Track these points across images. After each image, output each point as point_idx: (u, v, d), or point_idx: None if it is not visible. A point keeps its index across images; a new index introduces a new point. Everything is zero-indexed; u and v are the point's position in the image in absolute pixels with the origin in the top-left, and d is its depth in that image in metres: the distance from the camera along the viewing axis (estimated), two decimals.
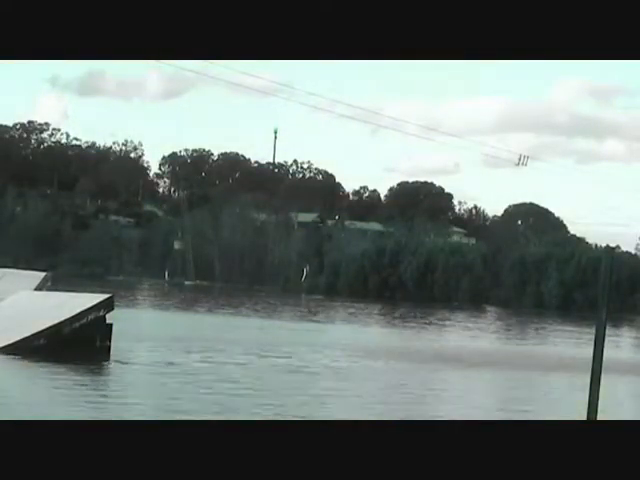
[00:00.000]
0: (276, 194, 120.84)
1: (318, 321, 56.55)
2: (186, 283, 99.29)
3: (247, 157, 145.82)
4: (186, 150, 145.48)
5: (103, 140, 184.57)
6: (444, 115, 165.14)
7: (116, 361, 26.94)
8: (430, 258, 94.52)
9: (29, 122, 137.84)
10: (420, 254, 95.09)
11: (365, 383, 26.63)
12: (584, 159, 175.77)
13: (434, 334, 51.15)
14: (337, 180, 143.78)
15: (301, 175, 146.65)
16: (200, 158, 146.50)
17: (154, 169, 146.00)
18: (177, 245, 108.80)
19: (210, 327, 44.18)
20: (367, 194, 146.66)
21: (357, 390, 24.97)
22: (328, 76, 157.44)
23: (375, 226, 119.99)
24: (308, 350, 34.35)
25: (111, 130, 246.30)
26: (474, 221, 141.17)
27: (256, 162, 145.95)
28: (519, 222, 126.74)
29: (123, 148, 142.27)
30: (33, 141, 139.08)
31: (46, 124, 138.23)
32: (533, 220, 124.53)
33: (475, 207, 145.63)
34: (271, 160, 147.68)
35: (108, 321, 28.51)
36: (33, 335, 26.84)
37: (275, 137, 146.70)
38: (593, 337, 14.22)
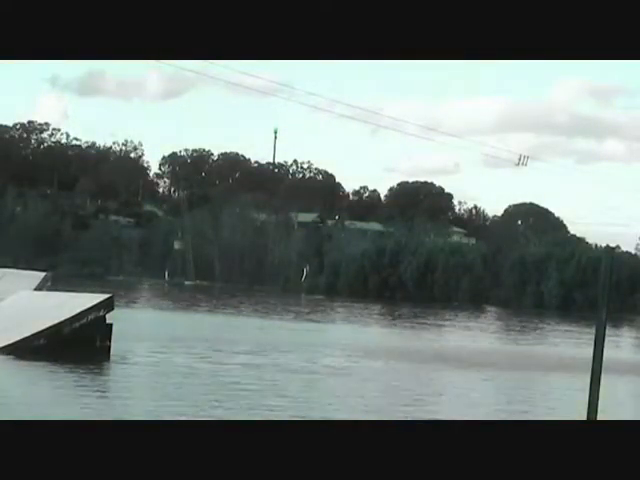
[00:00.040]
0: (276, 194, 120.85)
1: (318, 321, 56.55)
2: (186, 283, 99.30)
3: (247, 157, 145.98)
4: (186, 150, 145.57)
5: (103, 140, 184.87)
6: (444, 115, 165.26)
7: (116, 361, 26.94)
8: (430, 258, 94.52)
9: (29, 122, 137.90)
10: (420, 254, 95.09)
11: (365, 383, 26.62)
12: (584, 159, 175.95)
13: (434, 334, 51.15)
14: (337, 180, 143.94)
15: (301, 175, 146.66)
16: (200, 158, 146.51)
17: (154, 169, 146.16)
18: (177, 245, 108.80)
19: (210, 327, 44.19)
20: (367, 194, 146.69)
21: (357, 390, 24.95)
22: (328, 76, 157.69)
23: (375, 226, 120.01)
24: (308, 350, 34.34)
25: (111, 130, 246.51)
26: (474, 221, 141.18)
27: (256, 162, 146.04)
28: (519, 222, 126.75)
29: (123, 148, 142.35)
30: (33, 141, 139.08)
31: (46, 124, 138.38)
32: (533, 220, 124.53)
33: (475, 207, 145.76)
34: (271, 160, 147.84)
35: (108, 321, 28.51)
36: (33, 335, 26.84)
37: (275, 137, 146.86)
38: (593, 337, 14.22)
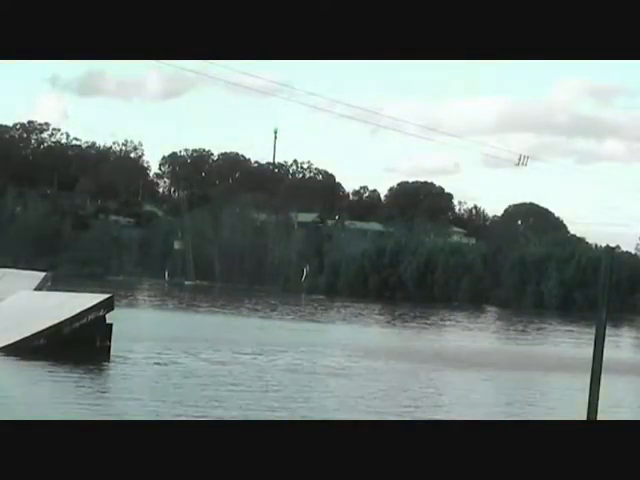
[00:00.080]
0: (276, 194, 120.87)
1: (318, 321, 56.56)
2: (186, 283, 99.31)
3: (247, 157, 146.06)
4: (186, 150, 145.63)
5: (103, 140, 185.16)
6: (444, 115, 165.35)
7: (116, 361, 26.94)
8: (430, 258, 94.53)
9: (29, 122, 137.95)
10: (420, 254, 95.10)
11: (365, 383, 26.61)
12: (584, 159, 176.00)
13: (434, 334, 51.15)
14: (337, 180, 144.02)
15: (301, 175, 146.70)
16: (200, 158, 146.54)
17: (154, 169, 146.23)
18: (177, 245, 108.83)
19: (210, 327, 44.19)
20: (367, 194, 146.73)
21: (357, 390, 24.95)
22: (328, 76, 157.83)
23: (375, 226, 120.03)
24: (308, 350, 34.35)
25: (111, 130, 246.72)
26: (474, 221, 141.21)
27: (256, 162, 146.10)
28: (519, 222, 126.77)
29: (123, 148, 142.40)
30: (33, 141, 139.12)
31: (46, 124, 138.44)
32: (533, 220, 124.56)
33: (475, 207, 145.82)
34: (271, 160, 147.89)
35: (108, 321, 28.51)
36: (33, 335, 26.84)
37: (275, 137, 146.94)
38: (593, 337, 14.22)
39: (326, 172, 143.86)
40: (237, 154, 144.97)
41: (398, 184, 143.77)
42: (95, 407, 19.16)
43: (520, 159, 36.02)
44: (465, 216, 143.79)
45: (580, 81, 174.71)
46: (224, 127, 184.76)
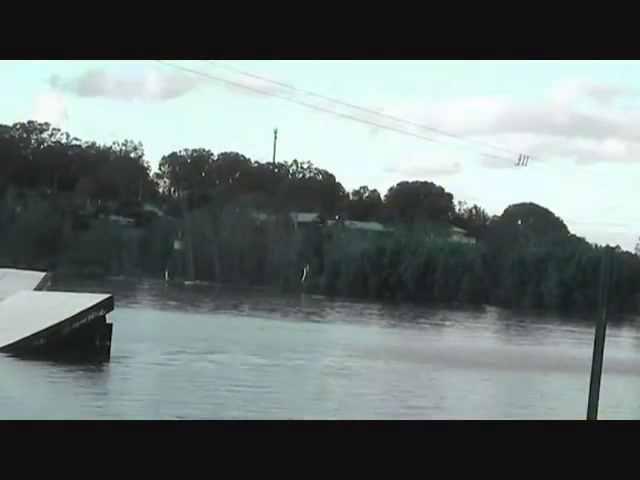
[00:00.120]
0: (276, 194, 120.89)
1: (318, 321, 56.56)
2: (186, 283, 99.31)
3: (247, 157, 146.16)
4: (186, 150, 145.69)
5: (103, 140, 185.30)
6: (444, 115, 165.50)
7: (116, 361, 26.93)
8: (430, 258, 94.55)
9: (29, 122, 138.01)
10: (420, 254, 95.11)
11: (364, 383, 26.61)
12: (584, 159, 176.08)
13: (434, 334, 51.16)
14: (337, 180, 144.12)
15: (301, 175, 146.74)
16: (200, 158, 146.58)
17: (154, 169, 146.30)
18: (177, 245, 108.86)
19: (210, 327, 44.18)
20: (367, 194, 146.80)
21: (357, 390, 24.95)
22: (328, 76, 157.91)
23: (375, 226, 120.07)
24: (308, 350, 34.35)
25: (111, 130, 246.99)
26: (474, 221, 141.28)
27: (256, 162, 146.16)
28: (519, 222, 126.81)
29: (123, 148, 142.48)
30: (33, 141, 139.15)
31: (46, 124, 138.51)
32: (533, 220, 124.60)
33: (475, 207, 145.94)
34: (271, 160, 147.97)
35: (108, 321, 28.49)
36: (33, 335, 26.83)
37: (275, 137, 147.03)
38: (593, 337, 14.22)
39: (326, 172, 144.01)
40: (237, 154, 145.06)
41: (398, 184, 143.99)
42: (95, 407, 19.15)
43: (520, 159, 36.03)
44: (465, 216, 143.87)
45: (580, 81, 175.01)
46: (224, 127, 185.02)
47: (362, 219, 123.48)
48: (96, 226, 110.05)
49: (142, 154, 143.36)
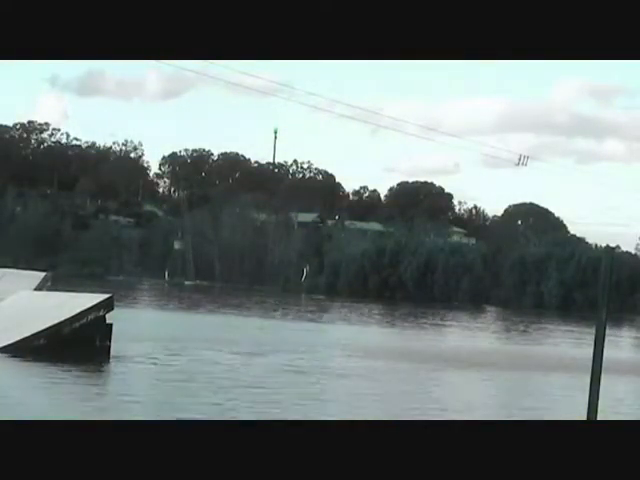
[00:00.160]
0: (276, 194, 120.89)
1: (318, 321, 56.56)
2: (186, 283, 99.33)
3: (247, 157, 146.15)
4: (186, 150, 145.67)
5: (103, 140, 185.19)
6: (444, 115, 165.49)
7: (116, 361, 26.93)
8: (430, 258, 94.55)
9: (29, 122, 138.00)
10: (420, 254, 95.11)
11: (364, 383, 26.61)
12: (584, 159, 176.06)
13: (434, 334, 51.16)
14: (337, 180, 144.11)
15: (301, 175, 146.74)
16: (200, 158, 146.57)
17: (154, 169, 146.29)
18: (177, 245, 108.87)
19: (210, 327, 44.18)
20: (367, 194, 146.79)
21: (356, 390, 24.95)
22: (328, 76, 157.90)
23: (375, 226, 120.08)
24: (308, 350, 34.35)
25: (111, 130, 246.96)
26: (474, 221, 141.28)
27: (256, 162, 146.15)
28: (519, 222, 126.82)
29: (123, 148, 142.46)
30: (33, 141, 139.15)
31: (46, 124, 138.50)
32: (533, 220, 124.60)
33: (475, 207, 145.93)
34: (271, 160, 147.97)
35: (108, 321, 28.49)
36: (33, 335, 26.82)
37: (275, 137, 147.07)
38: (593, 337, 14.22)
39: (326, 172, 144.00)
40: (237, 154, 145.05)
41: (398, 184, 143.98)
42: (95, 407, 19.14)
43: (520, 159, 36.00)
44: (465, 216, 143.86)
45: (580, 81, 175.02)
46: (224, 127, 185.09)
47: (362, 219, 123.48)
48: (96, 226, 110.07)
49: (142, 154, 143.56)
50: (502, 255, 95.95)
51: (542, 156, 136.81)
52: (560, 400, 25.50)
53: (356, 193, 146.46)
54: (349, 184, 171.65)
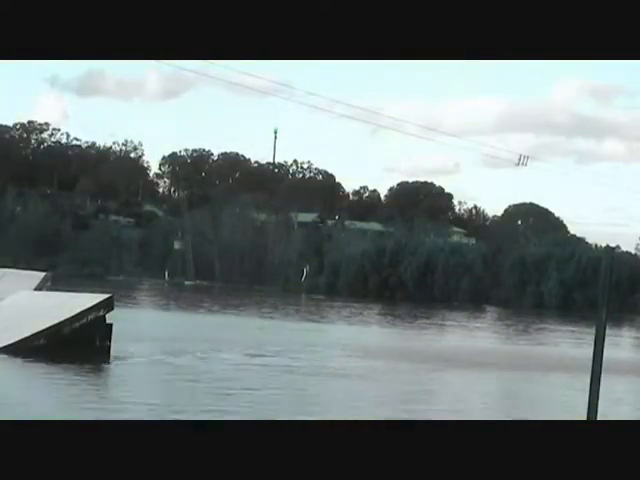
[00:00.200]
0: (276, 194, 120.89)
1: (318, 321, 56.56)
2: (186, 283, 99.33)
3: (247, 157, 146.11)
4: (186, 150, 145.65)
5: (103, 140, 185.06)
6: (444, 115, 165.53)
7: (116, 361, 26.93)
8: (430, 258, 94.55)
9: (29, 122, 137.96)
10: (420, 254, 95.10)
11: (364, 383, 26.62)
12: (584, 159, 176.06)
13: (434, 334, 51.16)
14: (337, 180, 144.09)
15: (301, 175, 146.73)
16: (200, 158, 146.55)
17: (154, 169, 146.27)
18: (177, 245, 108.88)
19: (210, 327, 44.19)
20: (367, 194, 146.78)
21: (356, 390, 24.96)
22: (328, 76, 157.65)
23: (375, 226, 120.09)
24: (308, 350, 34.35)
25: (111, 130, 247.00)
26: (474, 221, 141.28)
27: (256, 162, 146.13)
28: (519, 222, 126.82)
29: (123, 148, 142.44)
30: (33, 141, 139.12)
31: (46, 124, 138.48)
32: (533, 220, 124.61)
33: (475, 207, 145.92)
34: (271, 160, 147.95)
35: (108, 321, 28.50)
36: (33, 335, 26.83)
37: (275, 137, 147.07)
38: (593, 337, 14.22)
39: (326, 172, 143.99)
40: (237, 154, 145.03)
41: (398, 184, 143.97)
42: (95, 407, 19.14)
43: (520, 159, 35.98)
44: (465, 216, 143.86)
45: (580, 81, 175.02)
46: (224, 127, 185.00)
47: (362, 219, 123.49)
48: (96, 226, 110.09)
49: (142, 154, 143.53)
50: (502, 255, 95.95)
51: (542, 156, 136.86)
52: (560, 400, 25.49)
53: (356, 193, 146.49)
54: (349, 184, 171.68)
